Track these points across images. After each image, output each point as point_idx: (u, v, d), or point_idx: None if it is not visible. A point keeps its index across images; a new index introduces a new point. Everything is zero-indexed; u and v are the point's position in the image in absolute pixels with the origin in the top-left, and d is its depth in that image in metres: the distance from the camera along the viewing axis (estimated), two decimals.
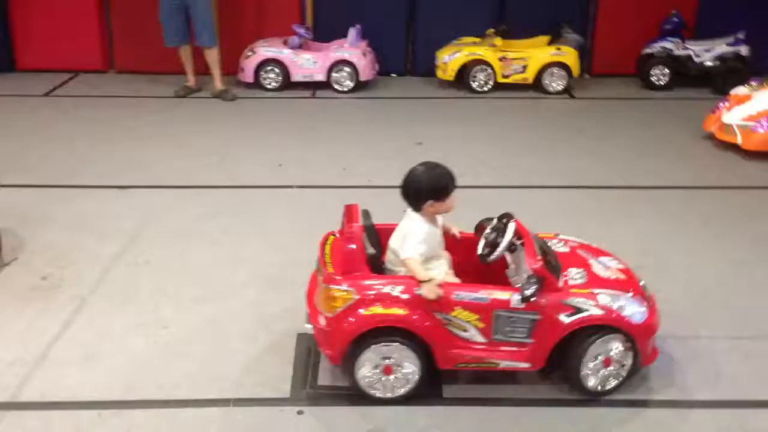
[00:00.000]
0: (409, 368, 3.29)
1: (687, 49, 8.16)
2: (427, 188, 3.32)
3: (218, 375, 3.50)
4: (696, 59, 8.12)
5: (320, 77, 8.11)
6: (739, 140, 6.17)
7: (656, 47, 8.21)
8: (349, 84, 8.11)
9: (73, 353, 3.64)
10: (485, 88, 8.11)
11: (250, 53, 8.13)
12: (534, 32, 8.32)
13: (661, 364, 3.48)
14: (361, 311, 3.19)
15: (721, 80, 7.89)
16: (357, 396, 3.32)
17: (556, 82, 8.11)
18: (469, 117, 7.43)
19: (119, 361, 3.59)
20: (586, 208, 5.27)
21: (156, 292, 4.17)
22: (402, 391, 3.33)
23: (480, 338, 3.28)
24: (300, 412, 3.28)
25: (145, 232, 4.88)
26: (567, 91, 8.15)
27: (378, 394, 3.33)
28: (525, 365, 3.33)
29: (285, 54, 8.08)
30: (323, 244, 3.50)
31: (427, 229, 3.35)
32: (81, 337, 3.77)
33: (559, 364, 3.36)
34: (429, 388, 3.36)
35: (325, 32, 8.48)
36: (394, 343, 3.24)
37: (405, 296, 3.20)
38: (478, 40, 8.30)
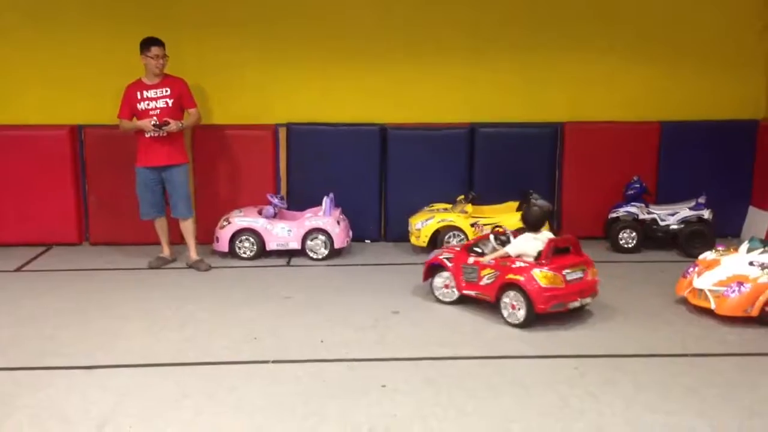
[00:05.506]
0: None
1: (651, 213, 8.44)
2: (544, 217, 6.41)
3: None
4: (661, 223, 8.38)
5: (295, 245, 8.19)
6: (712, 305, 6.23)
7: (621, 212, 8.49)
8: (324, 252, 8.17)
9: None
10: None
11: (225, 223, 8.21)
12: (502, 199, 8.59)
13: None
14: None
15: (687, 243, 8.12)
16: None
17: None
18: None
19: None
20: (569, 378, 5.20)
21: None
22: None
23: None
24: None
25: (113, 417, 4.67)
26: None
27: None
28: None
29: (260, 223, 8.18)
30: None
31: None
32: None
33: None
34: None
35: (299, 201, 8.65)
36: None
37: None
38: (448, 206, 8.51)
